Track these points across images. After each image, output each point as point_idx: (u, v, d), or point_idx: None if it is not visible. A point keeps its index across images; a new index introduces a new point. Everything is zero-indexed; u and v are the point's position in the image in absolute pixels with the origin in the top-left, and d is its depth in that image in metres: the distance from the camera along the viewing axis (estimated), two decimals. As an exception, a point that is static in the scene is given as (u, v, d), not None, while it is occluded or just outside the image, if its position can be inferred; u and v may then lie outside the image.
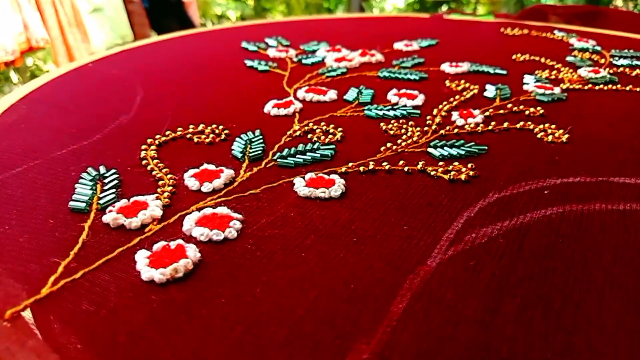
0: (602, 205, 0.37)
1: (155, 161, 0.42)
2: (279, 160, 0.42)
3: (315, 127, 0.49)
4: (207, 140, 0.46)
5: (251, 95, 0.57)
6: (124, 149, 0.44)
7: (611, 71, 0.67)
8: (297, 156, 0.42)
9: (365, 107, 0.53)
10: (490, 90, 0.59)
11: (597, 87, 0.61)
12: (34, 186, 0.38)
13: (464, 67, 0.67)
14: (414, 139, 0.46)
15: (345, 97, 0.57)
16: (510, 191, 0.39)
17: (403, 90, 0.58)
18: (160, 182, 0.38)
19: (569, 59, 0.72)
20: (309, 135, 0.47)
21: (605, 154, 0.45)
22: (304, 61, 0.69)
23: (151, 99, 0.56)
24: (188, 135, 0.46)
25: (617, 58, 0.72)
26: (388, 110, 0.53)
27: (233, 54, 0.74)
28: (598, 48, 0.78)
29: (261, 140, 0.45)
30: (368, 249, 0.32)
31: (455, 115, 0.51)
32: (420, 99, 0.56)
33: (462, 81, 0.62)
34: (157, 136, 0.46)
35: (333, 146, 0.45)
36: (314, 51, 0.75)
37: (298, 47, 0.77)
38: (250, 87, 0.60)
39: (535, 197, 0.38)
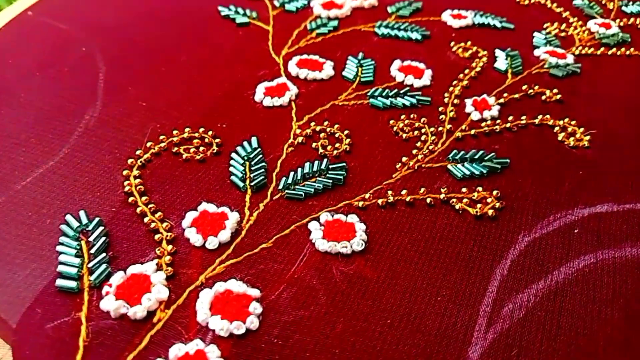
0: (633, 249, 0.35)
1: (144, 198, 0.36)
2: (286, 192, 0.37)
3: (318, 128, 0.43)
4: (198, 156, 0.40)
5: (235, 68, 0.49)
6: (100, 173, 0.38)
7: (622, 23, 0.62)
8: (306, 184, 0.38)
9: (370, 93, 0.47)
10: (500, 60, 0.53)
11: (609, 52, 0.57)
12: (3, 250, 0.32)
13: (468, 18, 0.60)
14: (430, 146, 0.42)
15: (344, 73, 0.50)
16: (539, 231, 0.36)
17: (407, 63, 0.51)
18: (157, 236, 0.33)
19: (576, 2, 0.66)
20: (313, 145, 0.42)
21: (628, 164, 0.42)
22: (287, 6, 0.60)
23: (117, 78, 0.47)
24: (174, 149, 0.40)
25: (625, 4, 0.67)
26: (395, 96, 0.47)
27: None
28: (605, -17, 0.71)
29: (261, 157, 0.40)
30: (403, 334, 0.30)
31: (469, 104, 0.47)
32: (427, 76, 0.50)
33: (469, 43, 0.56)
34: (138, 151, 0.39)
35: (343, 164, 0.40)
36: (295, -14, 0.65)
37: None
38: (231, 53, 0.52)
39: (565, 240, 0.36)
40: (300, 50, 0.53)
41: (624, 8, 0.66)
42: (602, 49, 0.57)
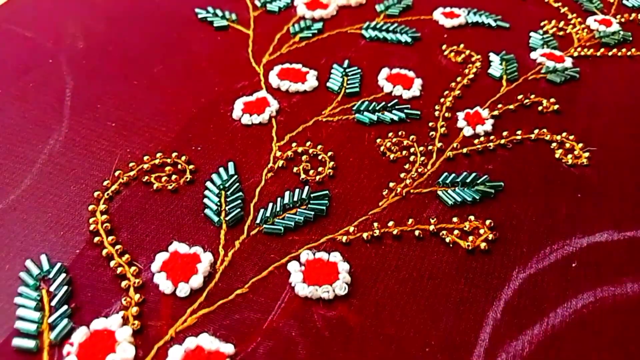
0: (634, 285, 0.33)
1: (110, 238, 0.33)
2: (265, 226, 0.34)
3: (300, 149, 0.40)
4: (170, 186, 0.37)
5: (212, 80, 0.46)
6: (65, 208, 0.35)
7: (622, 19, 0.59)
8: (286, 216, 0.35)
9: (356, 107, 0.44)
10: (495, 65, 0.50)
11: (610, 53, 0.54)
12: (-43, 303, 0.30)
13: (461, 16, 0.56)
14: (419, 169, 0.39)
15: (328, 84, 0.47)
16: (535, 265, 0.34)
17: (396, 71, 0.48)
18: (124, 283, 0.31)
19: (576, -4, 0.63)
20: (295, 169, 0.39)
21: (629, 184, 0.40)
22: (269, 6, 0.56)
23: (85, 94, 0.44)
24: (145, 178, 0.37)
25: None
26: (382, 110, 0.44)
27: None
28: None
29: (238, 186, 0.37)
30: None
31: (461, 118, 0.44)
32: (417, 86, 0.47)
33: (462, 45, 0.53)
34: (106, 182, 0.37)
35: (326, 192, 0.37)
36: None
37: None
38: (208, 61, 0.48)
39: (563, 276, 0.33)
40: (283, 58, 0.49)
41: (625, 2, 0.62)
42: (602, 49, 0.54)
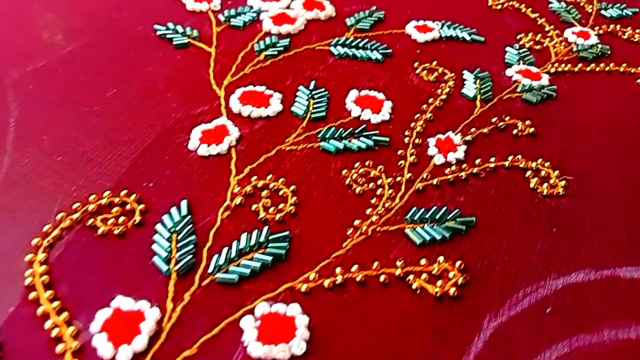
0: (611, 332, 0.31)
1: (48, 293, 0.30)
2: (218, 275, 0.32)
3: (260, 183, 0.38)
4: (117, 230, 0.34)
5: (169, 105, 0.44)
6: (0, 259, 0.32)
7: (601, 31, 0.57)
8: (242, 263, 0.32)
9: (321, 134, 0.42)
10: (469, 84, 0.48)
11: (588, 69, 0.52)
12: None
13: (435, 30, 0.54)
14: (386, 203, 0.37)
15: (293, 108, 0.44)
16: (507, 312, 0.32)
17: (364, 93, 0.46)
18: (59, 348, 0.28)
19: (553, 6, 0.60)
20: (254, 206, 0.36)
21: (607, 216, 0.38)
22: (233, 21, 0.53)
23: (30, 124, 0.41)
24: (90, 221, 0.34)
25: (604, 7, 0.61)
26: (349, 137, 0.42)
27: (139, 5, 0.55)
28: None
29: (190, 228, 0.34)
30: None
31: (432, 145, 0.41)
32: (387, 109, 0.44)
33: (434, 63, 0.50)
34: (46, 227, 0.34)
35: (286, 232, 0.35)
36: (244, -6, 0.58)
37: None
38: (165, 84, 0.46)
39: (537, 324, 0.31)
40: (246, 79, 0.47)
41: (603, 12, 0.61)
42: (580, 64, 0.52)
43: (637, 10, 0.61)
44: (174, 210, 0.35)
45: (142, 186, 0.37)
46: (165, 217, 0.35)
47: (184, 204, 0.36)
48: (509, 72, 0.50)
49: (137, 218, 0.35)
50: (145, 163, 0.39)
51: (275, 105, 0.44)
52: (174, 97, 0.44)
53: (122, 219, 0.35)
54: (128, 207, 0.35)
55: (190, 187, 0.37)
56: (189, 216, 0.35)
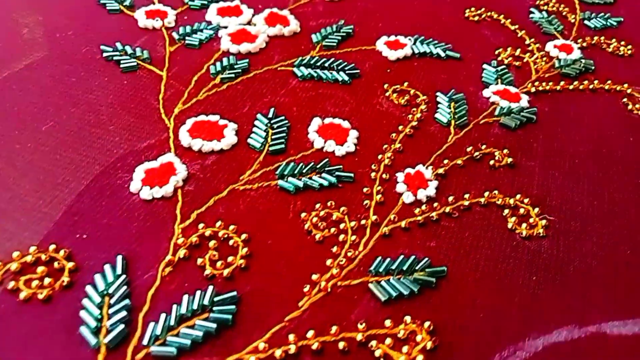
0: (598, 403, 0.28)
1: (-49, 378, 0.26)
2: (153, 348, 0.28)
3: (207, 231, 0.34)
4: (42, 294, 0.30)
5: (112, 139, 0.40)
6: None
7: (584, 44, 0.54)
8: (182, 331, 0.29)
9: (279, 171, 0.38)
10: (442, 108, 0.44)
11: (571, 87, 0.48)
12: None
13: (407, 45, 0.50)
14: (348, 252, 0.33)
15: (249, 140, 0.40)
16: (481, 383, 0.28)
17: (329, 121, 0.42)
18: None
19: (534, 16, 0.57)
20: (199, 261, 0.32)
21: (593, 258, 0.34)
22: (188, 39, 0.49)
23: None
24: (11, 284, 0.30)
25: (588, 17, 0.58)
26: (310, 173, 0.38)
27: (86, 22, 0.51)
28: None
29: (125, 290, 0.30)
30: None
31: (400, 180, 0.38)
32: (352, 139, 0.41)
33: (406, 84, 0.46)
34: (-42, 294, 0.30)
35: (234, 293, 0.31)
36: (202, 7, 0.54)
37: (180, -2, 0.54)
38: (108, 114, 0.42)
39: (514, 395, 0.28)
40: (200, 106, 0.43)
41: (586, 22, 0.57)
42: (563, 82, 0.49)
43: (622, 19, 0.58)
44: (107, 268, 0.31)
45: (74, 238, 0.33)
46: (97, 277, 0.31)
47: (119, 260, 0.32)
48: (486, 92, 0.46)
49: (66, 279, 0.31)
50: (80, 210, 0.34)
51: (229, 137, 0.40)
52: (117, 130, 0.40)
53: (48, 280, 0.30)
54: (56, 265, 0.31)
55: (129, 238, 0.33)
56: (124, 276, 0.31)
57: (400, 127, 0.42)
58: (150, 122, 0.41)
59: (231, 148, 0.40)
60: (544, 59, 0.51)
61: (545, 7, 0.59)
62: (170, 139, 0.40)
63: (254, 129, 0.41)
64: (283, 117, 0.42)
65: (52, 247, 0.32)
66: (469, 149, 0.41)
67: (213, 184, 0.37)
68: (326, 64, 0.47)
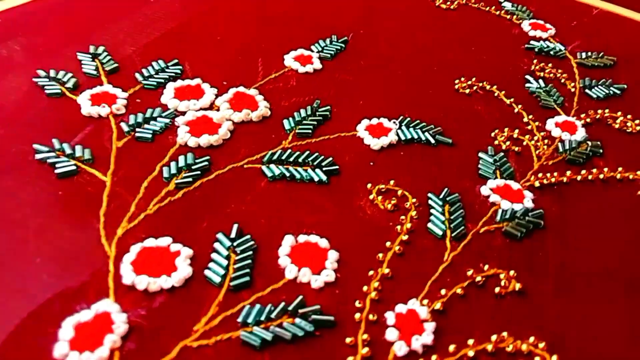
0: None
1: None
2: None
3: (149, 417, 0.26)
4: None
5: (36, 277, 0.33)
6: None
7: (588, 119, 0.48)
8: None
9: (242, 318, 0.31)
10: (436, 215, 0.38)
11: (579, 177, 0.42)
12: None
13: (392, 131, 0.44)
14: None
15: (206, 271, 0.33)
16: None
17: (303, 239, 0.35)
18: None
19: (531, 87, 0.51)
20: None
21: None
22: (139, 131, 0.42)
23: None
24: None
25: (588, 85, 0.53)
26: (280, 316, 0.31)
27: (20, 110, 0.44)
28: (561, 48, 0.57)
29: None
30: None
31: (390, 324, 0.31)
32: (331, 264, 0.34)
33: (392, 182, 0.40)
34: None
35: None
36: (157, 86, 0.47)
37: (134, 76, 0.48)
38: (35, 241, 0.34)
39: None
40: (148, 224, 0.36)
41: (587, 91, 0.52)
42: (569, 172, 0.43)
43: (625, 86, 0.53)
44: None
45: None
46: None
47: None
48: (484, 190, 0.40)
49: None
50: (-13, 389, 0.27)
51: (182, 268, 0.33)
52: (45, 264, 0.33)
53: None
54: None
55: None
56: None
57: (388, 244, 0.36)
58: (86, 251, 0.34)
59: (184, 284, 0.33)
60: (546, 140, 0.46)
61: (541, 74, 0.53)
62: (110, 274, 0.33)
63: (213, 256, 0.34)
64: (249, 237, 0.35)
65: None
66: (469, 273, 0.34)
67: (159, 338, 0.30)
68: (300, 159, 0.41)
